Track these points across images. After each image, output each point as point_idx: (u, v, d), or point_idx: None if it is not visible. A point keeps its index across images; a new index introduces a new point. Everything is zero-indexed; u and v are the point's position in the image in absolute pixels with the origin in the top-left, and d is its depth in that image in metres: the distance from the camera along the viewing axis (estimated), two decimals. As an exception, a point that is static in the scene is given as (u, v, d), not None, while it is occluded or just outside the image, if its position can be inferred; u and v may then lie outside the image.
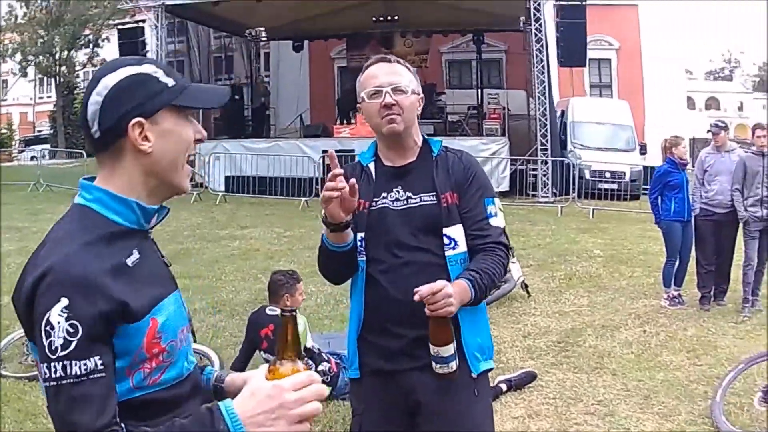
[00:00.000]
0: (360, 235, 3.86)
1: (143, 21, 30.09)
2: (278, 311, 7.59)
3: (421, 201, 3.91)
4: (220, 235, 17.49)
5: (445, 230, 3.86)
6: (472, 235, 3.91)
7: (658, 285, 13.09)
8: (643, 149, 30.90)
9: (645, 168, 29.19)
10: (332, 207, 3.55)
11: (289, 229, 18.50)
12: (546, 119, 26.04)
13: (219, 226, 18.64)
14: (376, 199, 3.94)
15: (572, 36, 24.63)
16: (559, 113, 29.58)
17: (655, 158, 33.22)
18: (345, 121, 29.10)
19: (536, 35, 25.81)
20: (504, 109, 30.06)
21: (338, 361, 8.17)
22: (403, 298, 3.69)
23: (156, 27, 27.71)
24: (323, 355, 8.10)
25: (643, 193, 27.66)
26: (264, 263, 14.57)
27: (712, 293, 12.20)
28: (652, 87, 39.93)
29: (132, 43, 27.08)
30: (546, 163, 25.73)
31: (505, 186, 25.36)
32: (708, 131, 12.56)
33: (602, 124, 30.77)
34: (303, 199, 23.09)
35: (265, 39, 33.67)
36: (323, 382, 6.34)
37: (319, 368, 7.84)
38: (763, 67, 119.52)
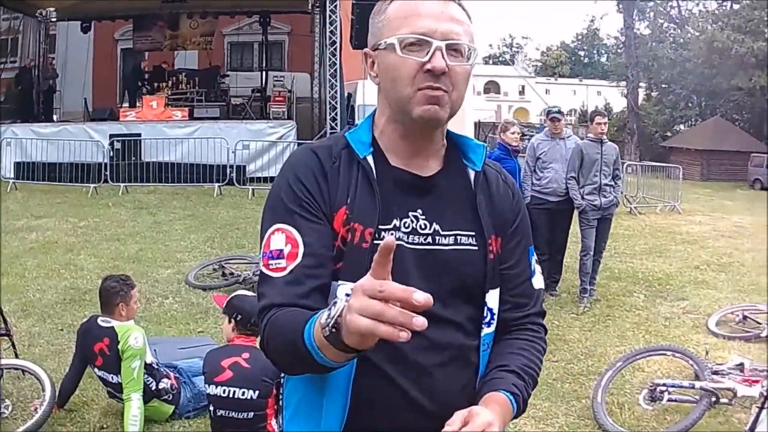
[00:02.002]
0: (337, 303, 1.95)
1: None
2: (112, 322, 6.73)
3: (456, 243, 2.44)
4: (16, 226, 16.17)
5: (487, 296, 2.48)
6: (510, 303, 2.56)
7: (482, 275, 12.81)
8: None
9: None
10: (374, 339, 1.85)
11: (83, 218, 17.36)
12: (336, 102, 25.51)
13: (14, 217, 17.26)
14: (383, 227, 2.36)
15: (368, 18, 24.19)
16: (346, 96, 29.03)
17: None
18: (130, 104, 28.08)
19: (330, 17, 25.24)
20: (289, 92, 29.49)
21: (177, 375, 7.26)
22: (426, 402, 2.36)
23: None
24: (162, 370, 7.10)
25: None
26: (64, 257, 13.52)
27: (545, 283, 11.88)
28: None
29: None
30: (335, 147, 25.12)
31: (293, 171, 24.55)
32: (549, 117, 12.26)
33: (392, 107, 30.32)
34: (92, 185, 21.83)
35: (55, 19, 31.65)
36: (165, 401, 5.57)
37: (161, 386, 6.90)
38: (546, 52, 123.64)
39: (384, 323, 1.76)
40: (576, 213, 11.85)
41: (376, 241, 2.26)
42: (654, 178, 28.04)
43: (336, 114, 25.40)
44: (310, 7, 29.97)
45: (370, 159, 2.43)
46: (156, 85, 28.57)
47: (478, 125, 56.69)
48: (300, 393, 2.45)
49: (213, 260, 12.95)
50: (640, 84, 56.20)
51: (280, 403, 2.62)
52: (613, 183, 11.59)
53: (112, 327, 6.67)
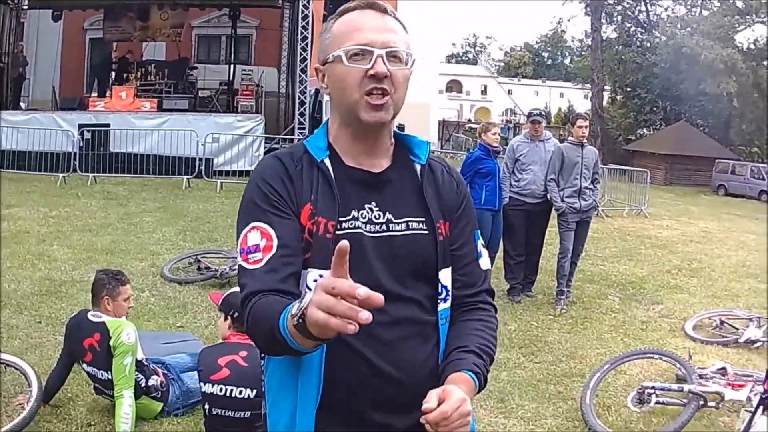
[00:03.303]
0: (320, 273, 2.54)
1: None
2: (103, 317, 6.60)
3: (408, 228, 2.73)
4: (-14, 214, 15.94)
5: (440, 275, 2.77)
6: (460, 282, 2.83)
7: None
8: (401, 130, 30.82)
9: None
10: (331, 330, 2.09)
11: (53, 208, 17.23)
12: (305, 97, 25.45)
13: (-17, 205, 17.00)
14: (343, 219, 2.64)
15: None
16: (312, 91, 28.95)
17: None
18: (99, 94, 27.92)
19: (303, 11, 25.17)
20: (257, 86, 29.47)
21: (165, 371, 7.14)
22: (392, 372, 2.61)
23: None
24: (151, 367, 6.97)
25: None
26: (37, 247, 13.36)
27: (520, 284, 11.95)
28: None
29: None
30: (303, 142, 25.10)
31: (260, 165, 24.53)
32: (530, 120, 12.28)
33: (361, 104, 30.38)
34: (61, 175, 21.67)
35: (26, 7, 31.08)
36: (155, 398, 5.49)
37: (150, 383, 6.77)
38: (509, 53, 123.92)
39: (335, 316, 2.03)
40: (554, 215, 11.88)
41: (338, 232, 2.60)
42: (619, 181, 28.17)
43: (305, 109, 25.32)
44: (280, 1, 29.89)
45: (327, 161, 2.74)
46: (125, 75, 28.42)
47: (443, 124, 56.85)
48: (278, 376, 2.70)
49: (188, 254, 12.85)
50: (605, 87, 56.44)
51: (263, 388, 2.82)
52: (592, 186, 11.61)
53: (103, 322, 6.55)
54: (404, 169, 2.83)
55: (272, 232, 2.59)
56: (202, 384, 6.09)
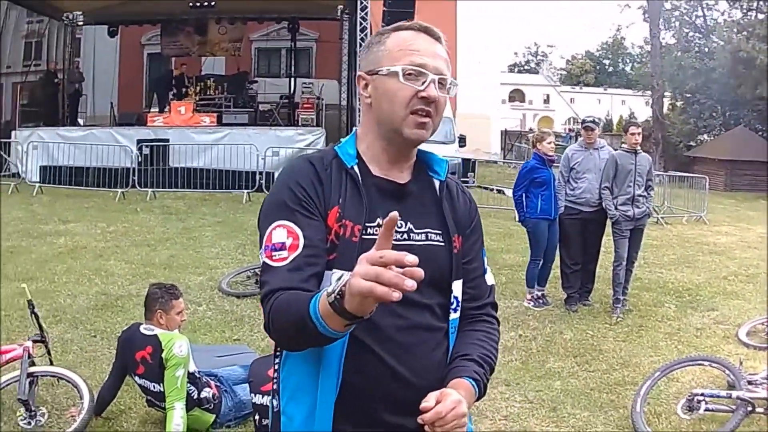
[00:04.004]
0: (344, 275, 2.33)
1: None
2: (155, 330, 6.73)
3: (427, 239, 2.85)
4: (43, 230, 16.22)
5: (453, 286, 2.91)
6: (468, 294, 2.98)
7: (513, 284, 12.87)
8: (462, 141, 30.79)
9: (463, 161, 29.15)
10: (371, 302, 2.23)
11: (111, 223, 17.41)
12: (366, 109, 25.28)
13: (41, 221, 17.30)
14: (369, 224, 2.75)
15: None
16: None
17: (470, 151, 33.55)
18: (159, 109, 28.10)
19: (361, 24, 25.12)
20: (318, 98, 29.48)
21: (218, 383, 7.24)
22: (407, 375, 2.73)
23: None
24: (204, 379, 7.08)
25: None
26: (94, 263, 13.52)
27: (577, 293, 11.94)
28: (466, 79, 40.08)
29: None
30: (365, 155, 25.06)
31: (321, 178, 24.56)
32: (583, 127, 12.28)
33: (422, 115, 30.32)
34: (120, 190, 21.92)
35: (81, 23, 31.51)
36: (207, 410, 5.56)
37: (202, 395, 6.89)
38: (571, 61, 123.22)
39: (381, 284, 2.13)
40: (609, 223, 11.85)
41: (364, 236, 2.71)
42: (679, 188, 27.98)
43: (366, 121, 25.29)
44: (339, 13, 29.98)
45: (356, 168, 2.85)
46: (184, 90, 28.55)
47: (505, 134, 56.67)
48: (296, 376, 2.80)
49: (246, 267, 12.92)
50: (665, 93, 55.80)
51: (275, 386, 2.91)
52: (646, 194, 11.57)
53: (156, 335, 6.68)
54: (424, 183, 2.96)
55: (299, 232, 2.68)
56: (252, 395, 6.18)
